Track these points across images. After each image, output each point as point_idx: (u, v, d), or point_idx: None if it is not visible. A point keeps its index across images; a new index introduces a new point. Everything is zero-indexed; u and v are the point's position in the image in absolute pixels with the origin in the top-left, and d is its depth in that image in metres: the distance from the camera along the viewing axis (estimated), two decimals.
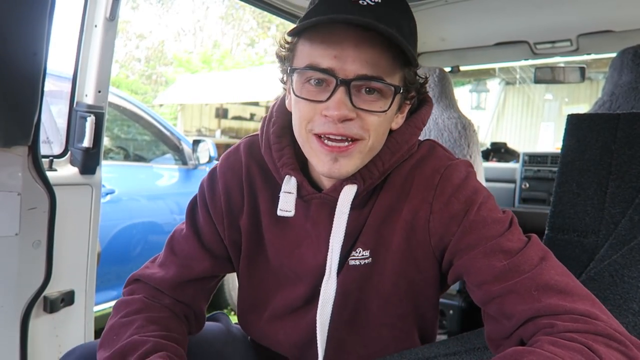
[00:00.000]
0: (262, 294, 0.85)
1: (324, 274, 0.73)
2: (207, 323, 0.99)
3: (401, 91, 0.69)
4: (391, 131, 0.74)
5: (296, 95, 0.68)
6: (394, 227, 0.74)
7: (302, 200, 0.74)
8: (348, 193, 0.71)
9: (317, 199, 0.73)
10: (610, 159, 0.93)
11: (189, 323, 0.86)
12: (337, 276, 0.73)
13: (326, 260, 0.73)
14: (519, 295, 0.61)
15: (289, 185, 0.73)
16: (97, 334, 0.88)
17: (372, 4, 0.64)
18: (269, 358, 0.95)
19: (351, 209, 0.72)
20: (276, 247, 0.81)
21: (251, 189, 0.81)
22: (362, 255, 0.75)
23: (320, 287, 0.73)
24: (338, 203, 0.71)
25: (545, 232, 0.99)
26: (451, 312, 1.93)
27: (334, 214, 0.72)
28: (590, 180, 0.94)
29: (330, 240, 0.72)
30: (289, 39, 0.70)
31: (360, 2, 0.64)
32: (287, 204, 0.73)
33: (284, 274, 0.82)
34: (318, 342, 0.73)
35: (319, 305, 0.72)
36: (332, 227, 0.72)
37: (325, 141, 0.66)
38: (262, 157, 0.79)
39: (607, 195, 0.92)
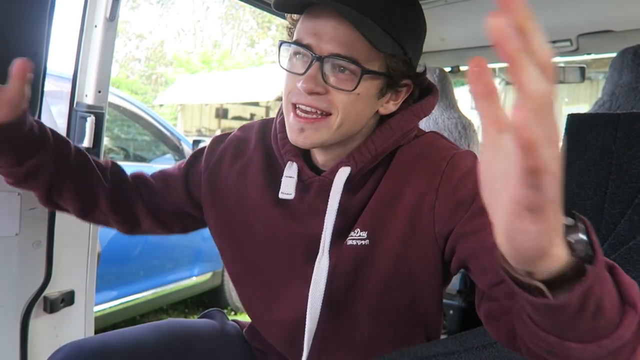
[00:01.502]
0: (257, 271, 0.86)
1: (316, 251, 0.76)
2: (201, 320, 1.01)
3: (373, 75, 0.70)
4: (385, 117, 0.78)
5: (281, 67, 0.74)
6: (396, 211, 0.75)
7: (303, 184, 0.78)
8: (342, 174, 0.75)
9: (316, 182, 0.77)
10: (610, 159, 0.93)
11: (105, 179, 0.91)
12: (334, 255, 0.75)
13: (318, 237, 0.76)
14: None
15: (291, 171, 0.78)
16: (97, 334, 0.90)
17: None
18: (262, 354, 0.95)
19: (349, 191, 0.76)
20: (271, 227, 0.83)
21: (246, 166, 0.86)
22: (360, 235, 0.76)
23: (312, 267, 0.76)
24: (333, 183, 0.75)
25: None
26: (451, 312, 1.92)
27: (328, 197, 0.75)
28: (589, 180, 0.94)
29: (325, 218, 0.74)
30: (295, 16, 0.76)
31: None
32: (287, 187, 0.77)
33: (278, 251, 0.83)
34: (307, 317, 0.75)
35: (312, 282, 0.75)
36: (326, 209, 0.75)
37: (298, 112, 0.71)
38: (270, 141, 0.85)
39: (607, 195, 0.92)
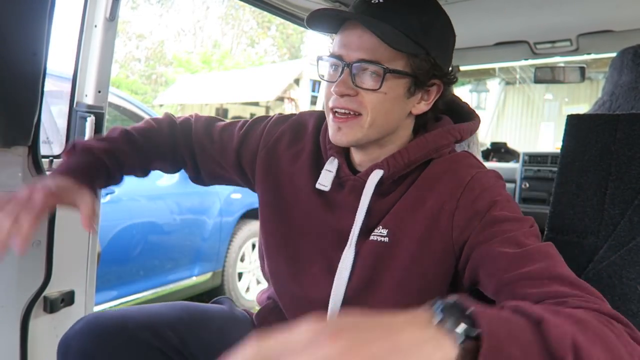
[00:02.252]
0: (289, 247, 0.92)
1: (344, 243, 0.84)
2: (210, 305, 1.07)
3: (398, 74, 0.77)
4: (417, 117, 0.85)
5: (321, 77, 0.85)
6: (417, 215, 0.80)
7: (339, 180, 0.86)
8: (375, 176, 0.82)
9: (350, 180, 0.85)
10: (609, 160, 0.93)
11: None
12: (357, 247, 0.82)
13: (346, 231, 0.83)
14: (531, 281, 0.64)
15: (331, 165, 0.87)
16: None
17: (382, 1, 0.77)
18: None
19: (381, 194, 0.83)
20: (309, 212, 0.89)
21: (299, 152, 0.93)
22: (381, 233, 0.82)
23: (337, 254, 0.84)
24: (366, 184, 0.82)
25: (545, 232, 0.99)
26: None
27: (360, 196, 0.82)
28: (589, 181, 0.94)
29: (356, 215, 0.82)
30: (333, 36, 0.85)
31: (374, 1, 0.77)
32: (325, 180, 0.86)
33: (310, 235, 0.90)
34: (331, 301, 0.82)
35: (338, 270, 0.83)
36: (357, 207, 0.82)
37: (336, 114, 0.80)
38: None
39: (607, 196, 0.92)
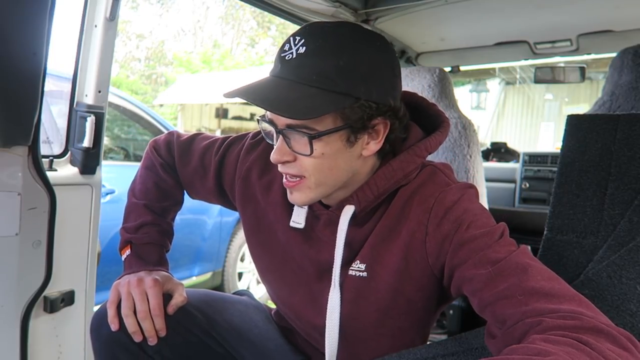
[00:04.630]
0: (276, 274, 0.94)
1: (324, 274, 0.83)
2: (231, 294, 1.14)
3: (327, 134, 0.72)
4: (390, 154, 0.81)
5: (268, 140, 0.82)
6: (392, 247, 0.79)
7: (313, 213, 0.84)
8: (346, 212, 0.80)
9: (325, 214, 0.83)
10: (609, 160, 0.93)
11: None
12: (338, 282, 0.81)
13: (325, 263, 0.83)
14: (508, 299, 0.64)
15: None
16: None
17: (295, 56, 0.71)
18: (289, 331, 1.03)
19: (355, 225, 0.81)
20: (287, 245, 0.89)
21: (271, 182, 0.92)
22: (359, 267, 0.81)
23: (318, 286, 0.85)
24: (339, 221, 0.80)
25: (545, 232, 0.99)
26: (451, 312, 1.93)
27: (336, 230, 0.81)
28: (589, 181, 0.94)
29: (335, 253, 0.80)
30: None
31: (287, 57, 0.72)
32: (298, 217, 0.85)
33: (292, 265, 0.90)
34: (327, 346, 0.81)
35: (327, 312, 0.81)
36: (334, 240, 0.80)
37: (286, 177, 0.78)
38: None
39: (607, 196, 0.92)
